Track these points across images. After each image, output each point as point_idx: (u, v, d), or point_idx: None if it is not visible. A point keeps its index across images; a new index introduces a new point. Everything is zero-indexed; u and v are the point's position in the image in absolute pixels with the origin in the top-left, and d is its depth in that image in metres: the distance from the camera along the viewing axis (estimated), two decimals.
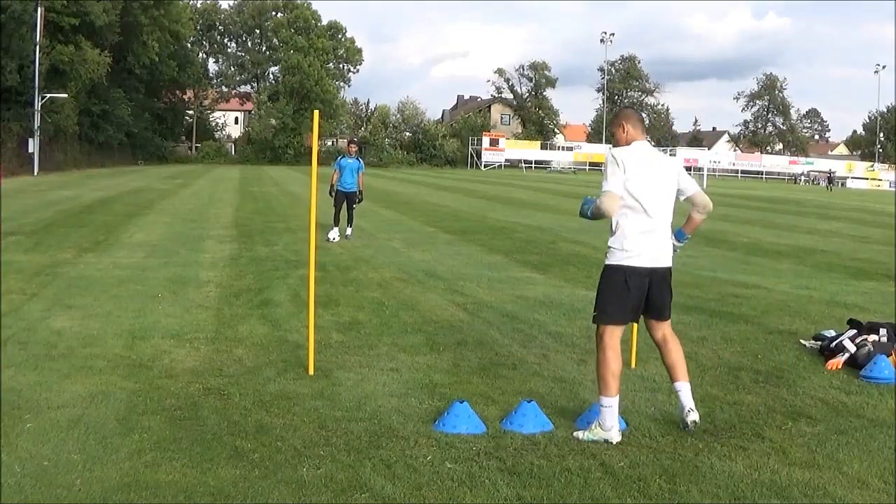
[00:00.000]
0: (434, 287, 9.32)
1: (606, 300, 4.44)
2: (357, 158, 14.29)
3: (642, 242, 4.36)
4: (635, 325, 5.97)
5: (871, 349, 6.00)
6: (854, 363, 5.96)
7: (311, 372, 5.49)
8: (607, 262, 4.46)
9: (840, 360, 6.04)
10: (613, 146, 4.58)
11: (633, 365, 5.90)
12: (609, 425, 4.33)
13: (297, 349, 6.14)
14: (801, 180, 74.29)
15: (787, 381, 5.65)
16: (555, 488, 3.73)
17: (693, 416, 4.46)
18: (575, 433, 4.41)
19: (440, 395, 5.08)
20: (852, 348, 6.07)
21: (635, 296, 4.41)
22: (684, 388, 4.54)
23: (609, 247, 4.45)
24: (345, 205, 14.01)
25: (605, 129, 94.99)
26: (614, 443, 4.29)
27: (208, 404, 4.81)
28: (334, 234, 13.77)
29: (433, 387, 5.29)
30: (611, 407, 4.35)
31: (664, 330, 4.66)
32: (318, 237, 11.42)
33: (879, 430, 4.65)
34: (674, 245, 4.64)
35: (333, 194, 13.99)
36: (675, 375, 4.60)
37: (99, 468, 3.81)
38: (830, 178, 61.93)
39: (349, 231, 14.21)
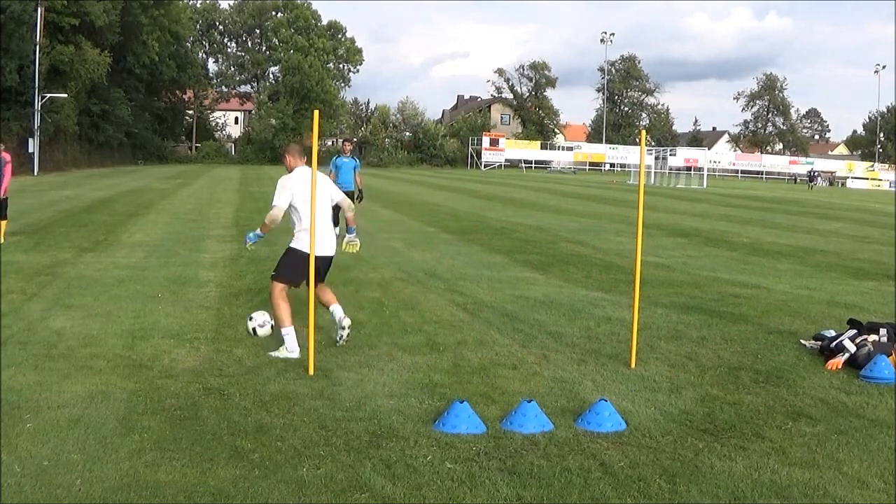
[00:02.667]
0: (434, 287, 9.32)
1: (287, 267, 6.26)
2: (353, 157, 14.27)
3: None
4: (635, 326, 5.99)
5: (871, 349, 6.01)
6: (854, 363, 5.96)
7: (311, 372, 5.49)
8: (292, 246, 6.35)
9: (840, 360, 6.04)
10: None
11: (633, 365, 5.91)
12: (292, 348, 5.97)
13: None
14: (798, 180, 74.09)
15: (787, 381, 5.65)
16: (555, 488, 3.73)
17: (346, 322, 6.28)
18: (269, 353, 5.95)
19: (440, 395, 5.08)
20: (852, 348, 6.07)
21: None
22: (337, 309, 6.35)
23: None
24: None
25: (606, 130, 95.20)
26: (295, 357, 5.85)
27: (208, 404, 4.81)
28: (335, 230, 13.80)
29: (433, 387, 5.29)
30: (289, 334, 6.01)
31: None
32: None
33: (879, 430, 4.65)
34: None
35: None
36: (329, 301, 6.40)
37: (99, 468, 3.81)
38: (811, 176, 61.99)
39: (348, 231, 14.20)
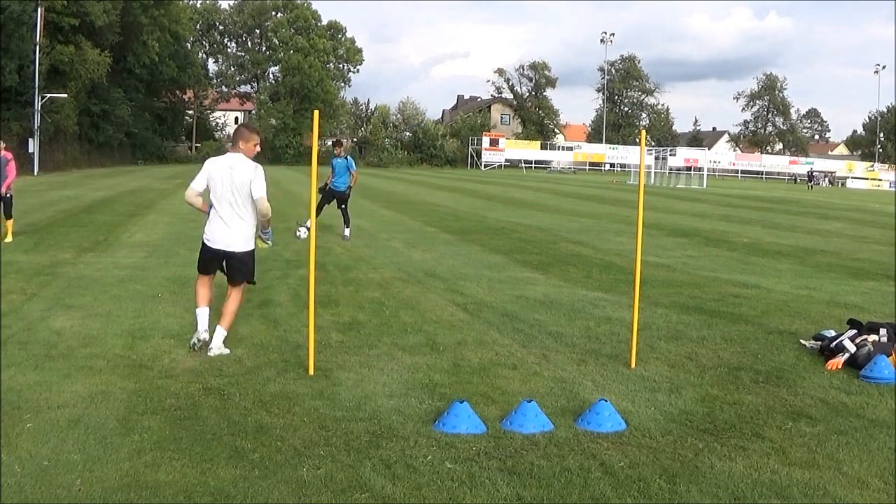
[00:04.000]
0: (434, 287, 9.32)
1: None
2: (346, 157, 14.32)
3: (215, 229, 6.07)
4: (635, 326, 5.99)
5: (871, 349, 6.01)
6: (854, 363, 5.96)
7: (311, 372, 5.49)
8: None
9: (840, 360, 6.04)
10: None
11: (632, 365, 5.91)
12: (202, 328, 6.06)
13: (297, 349, 6.15)
14: (798, 180, 73.95)
15: (787, 381, 5.65)
16: (555, 488, 3.73)
17: (203, 336, 5.99)
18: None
19: (440, 395, 5.08)
20: (852, 348, 6.07)
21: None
22: (219, 330, 6.01)
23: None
24: (335, 204, 14.10)
25: (606, 130, 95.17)
26: (202, 339, 5.94)
27: (208, 404, 4.81)
28: (346, 232, 13.96)
29: (433, 387, 5.29)
30: (201, 315, 6.11)
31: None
32: (318, 237, 11.41)
33: (879, 430, 4.65)
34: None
35: (323, 192, 14.01)
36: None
37: (99, 468, 3.81)
38: (811, 177, 62.00)
39: (347, 232, 14.20)
